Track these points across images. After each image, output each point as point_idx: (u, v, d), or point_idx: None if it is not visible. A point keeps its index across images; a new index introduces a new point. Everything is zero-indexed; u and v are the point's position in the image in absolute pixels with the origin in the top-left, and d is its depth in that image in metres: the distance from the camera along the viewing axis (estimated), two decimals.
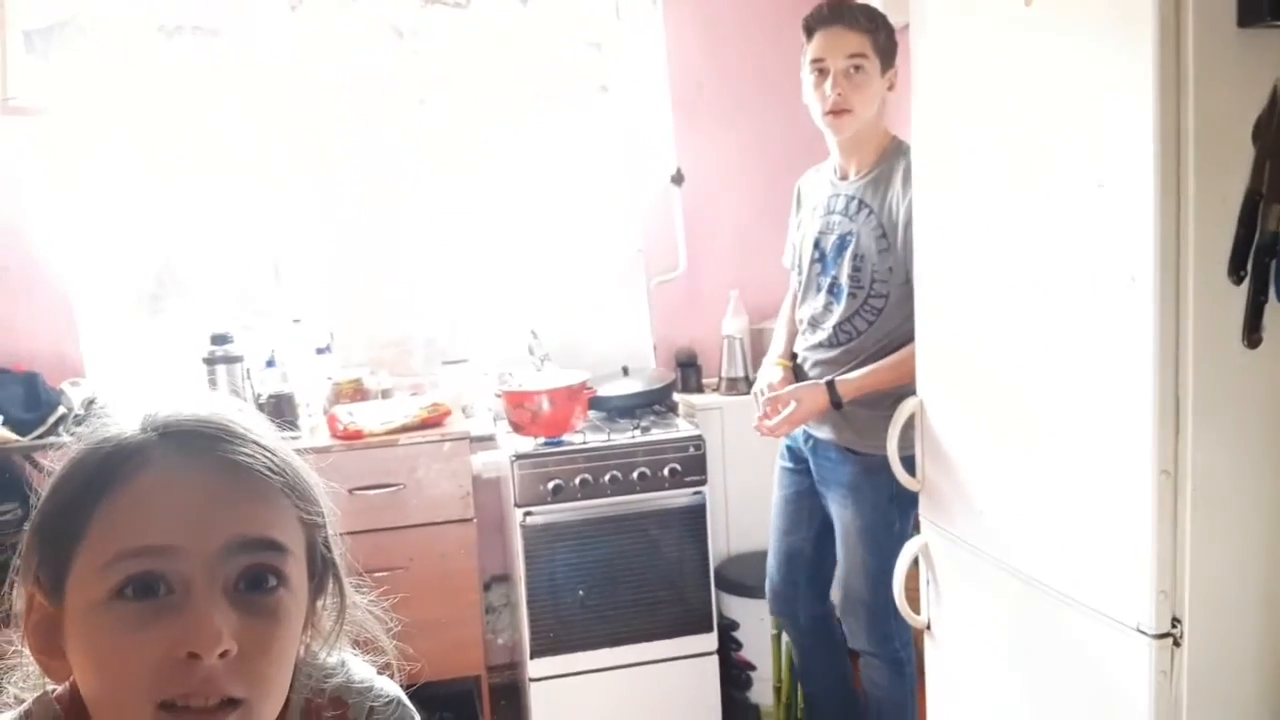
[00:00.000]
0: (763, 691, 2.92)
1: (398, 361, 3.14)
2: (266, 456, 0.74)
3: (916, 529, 1.96)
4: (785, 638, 2.85)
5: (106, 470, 0.71)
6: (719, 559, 2.92)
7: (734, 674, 2.90)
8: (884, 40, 2.19)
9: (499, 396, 2.82)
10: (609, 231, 3.25)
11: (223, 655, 0.67)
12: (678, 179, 3.23)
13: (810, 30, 2.21)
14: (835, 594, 2.38)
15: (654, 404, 2.94)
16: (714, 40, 3.24)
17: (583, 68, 3.20)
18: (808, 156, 2.50)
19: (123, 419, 0.75)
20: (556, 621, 2.66)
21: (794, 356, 2.42)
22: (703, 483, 2.72)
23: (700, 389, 3.17)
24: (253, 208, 3.03)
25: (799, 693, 2.83)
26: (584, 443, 2.69)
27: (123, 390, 2.77)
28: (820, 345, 2.31)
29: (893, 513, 2.19)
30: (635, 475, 2.67)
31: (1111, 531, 1.38)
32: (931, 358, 1.85)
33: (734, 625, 2.90)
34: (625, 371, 3.03)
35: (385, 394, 2.99)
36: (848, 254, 2.23)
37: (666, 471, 2.68)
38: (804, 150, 2.57)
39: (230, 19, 2.94)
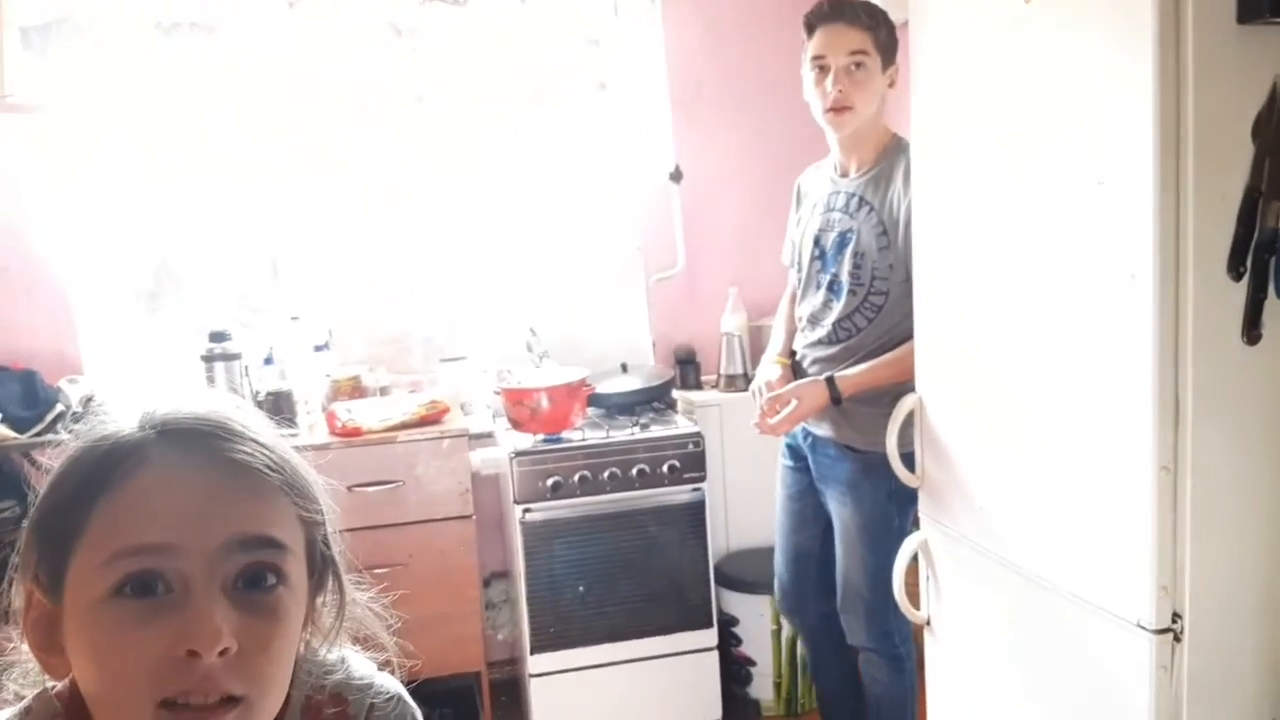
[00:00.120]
0: (763, 687, 2.92)
1: (396, 359, 3.14)
2: (265, 454, 0.74)
3: (916, 526, 1.96)
4: (785, 634, 2.86)
5: (105, 468, 0.71)
6: (718, 555, 2.93)
7: (734, 669, 2.90)
8: (885, 37, 2.18)
9: (498, 394, 2.82)
10: (608, 229, 3.24)
11: (222, 653, 0.67)
12: (676, 176, 3.23)
13: (811, 27, 2.20)
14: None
15: (653, 401, 2.94)
16: (713, 37, 3.23)
17: (581, 65, 3.20)
18: (807, 154, 2.49)
19: (121, 417, 0.75)
20: (556, 617, 2.67)
21: (793, 354, 2.42)
22: (702, 479, 2.72)
23: (699, 386, 3.17)
24: (250, 205, 3.02)
25: (800, 688, 2.83)
26: (583, 440, 2.69)
27: (121, 388, 2.77)
28: (819, 342, 2.31)
29: (892, 510, 2.18)
30: (634, 472, 2.67)
31: (1112, 527, 1.38)
32: (931, 354, 1.85)
33: (734, 621, 2.90)
34: (624, 368, 3.03)
35: (384, 391, 2.99)
36: (848, 251, 2.22)
37: (666, 468, 2.69)
38: (803, 148, 2.57)
39: (228, 16, 2.93)
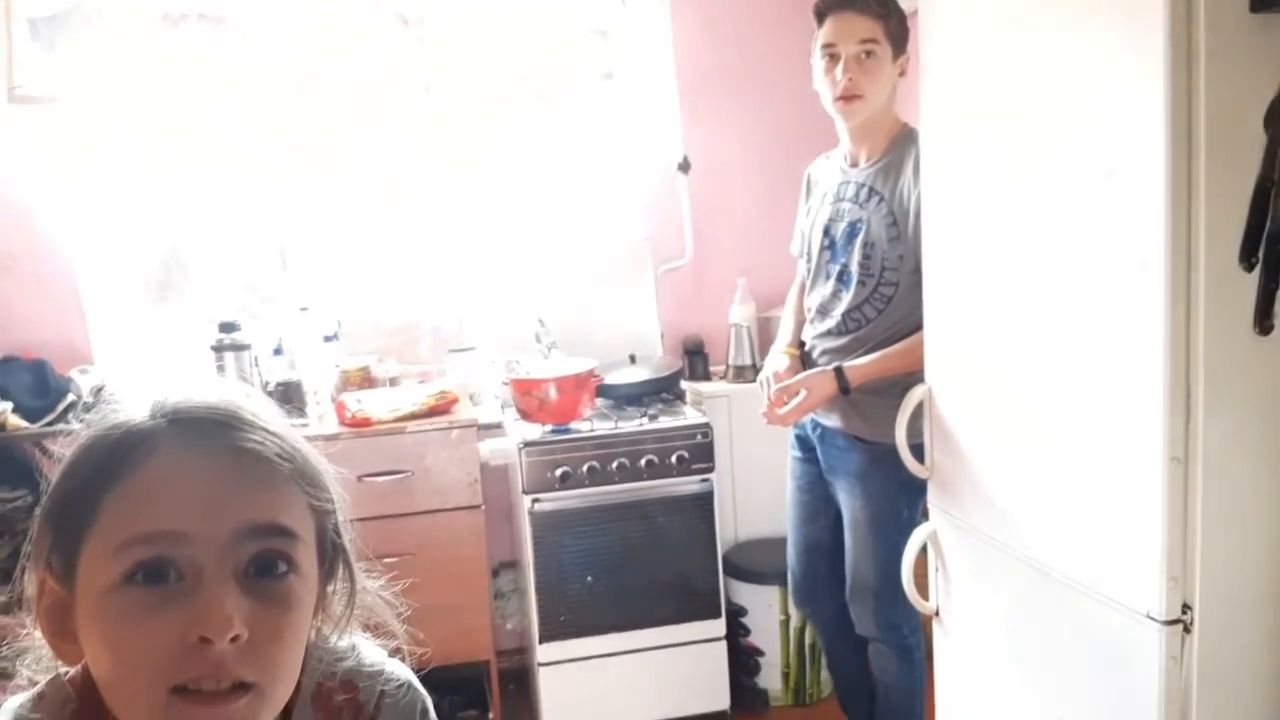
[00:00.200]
0: (771, 676, 2.93)
1: (405, 349, 3.14)
2: (276, 443, 0.75)
3: (925, 516, 1.96)
4: (793, 623, 2.86)
5: (116, 457, 0.72)
6: (727, 545, 2.93)
7: (742, 659, 2.91)
8: (895, 26, 2.17)
9: (506, 384, 2.83)
10: (616, 219, 3.24)
11: (234, 640, 0.68)
12: (684, 167, 3.22)
13: (821, 15, 2.20)
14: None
15: (661, 392, 2.94)
16: (721, 26, 3.22)
17: (589, 55, 3.19)
18: (816, 144, 2.49)
19: (132, 406, 0.75)
20: (565, 607, 2.67)
21: (801, 345, 2.42)
22: (710, 470, 2.72)
23: (707, 377, 3.17)
24: (259, 195, 3.02)
25: (808, 678, 2.84)
26: (591, 430, 2.70)
27: (131, 377, 2.78)
28: (829, 333, 2.30)
29: (901, 501, 2.18)
30: (643, 462, 2.67)
31: (1121, 518, 1.37)
32: (940, 345, 1.84)
33: (742, 611, 2.91)
34: (632, 359, 3.03)
35: (393, 382, 3.00)
36: (858, 241, 2.22)
37: (674, 459, 2.69)
38: (812, 137, 2.56)
39: (235, 7, 2.94)
